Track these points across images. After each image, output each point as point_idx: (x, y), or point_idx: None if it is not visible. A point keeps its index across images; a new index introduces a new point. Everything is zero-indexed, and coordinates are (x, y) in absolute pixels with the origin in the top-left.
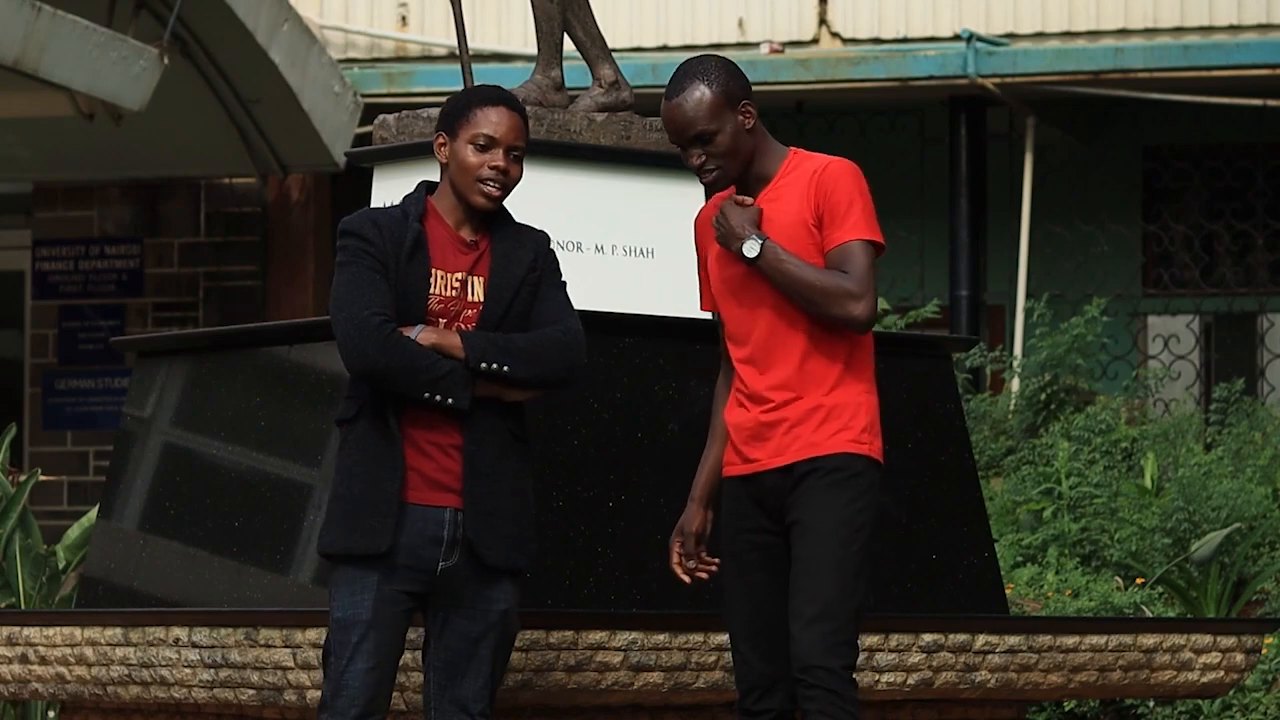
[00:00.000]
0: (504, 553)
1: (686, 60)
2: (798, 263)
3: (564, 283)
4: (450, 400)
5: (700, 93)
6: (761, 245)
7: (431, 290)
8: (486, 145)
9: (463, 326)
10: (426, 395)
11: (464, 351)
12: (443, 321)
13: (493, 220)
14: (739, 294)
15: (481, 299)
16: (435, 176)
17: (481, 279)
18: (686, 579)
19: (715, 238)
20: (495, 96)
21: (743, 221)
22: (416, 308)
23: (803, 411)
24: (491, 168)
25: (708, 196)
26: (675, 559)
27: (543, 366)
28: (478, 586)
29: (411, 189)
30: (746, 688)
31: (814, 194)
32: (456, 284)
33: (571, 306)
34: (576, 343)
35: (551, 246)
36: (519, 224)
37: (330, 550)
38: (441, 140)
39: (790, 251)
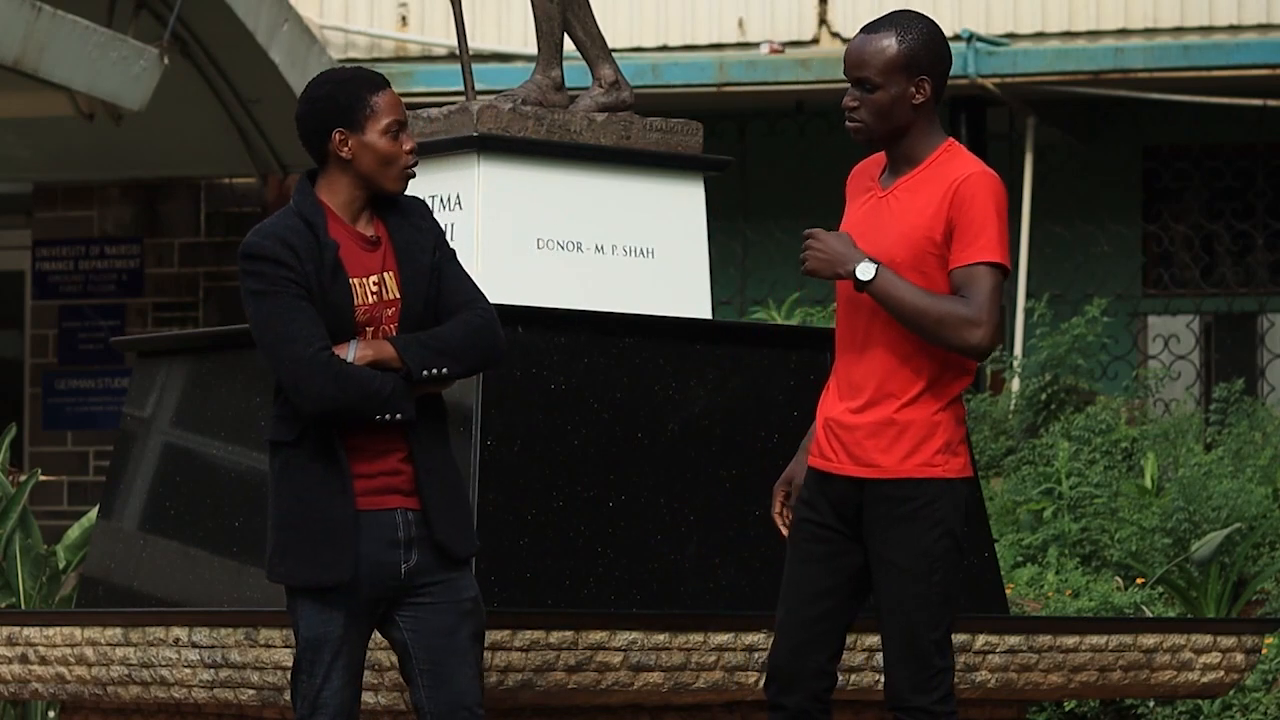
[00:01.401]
0: (467, 543)
1: (904, 10)
2: (911, 290)
3: (454, 252)
4: (399, 415)
5: (887, 42)
6: (876, 270)
7: (356, 303)
8: (399, 130)
9: (387, 328)
10: (378, 417)
11: (401, 363)
12: (369, 330)
13: (378, 204)
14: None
15: (395, 295)
16: (432, 174)
17: (391, 274)
18: (785, 530)
19: (804, 267)
20: (378, 80)
21: (843, 248)
22: (346, 324)
23: (877, 423)
24: (408, 151)
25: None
26: (777, 508)
27: (475, 357)
28: (443, 580)
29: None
30: (771, 675)
31: (948, 209)
32: (374, 286)
33: (472, 280)
34: (496, 323)
35: (433, 214)
36: (399, 199)
37: (290, 583)
38: (341, 136)
39: (904, 257)
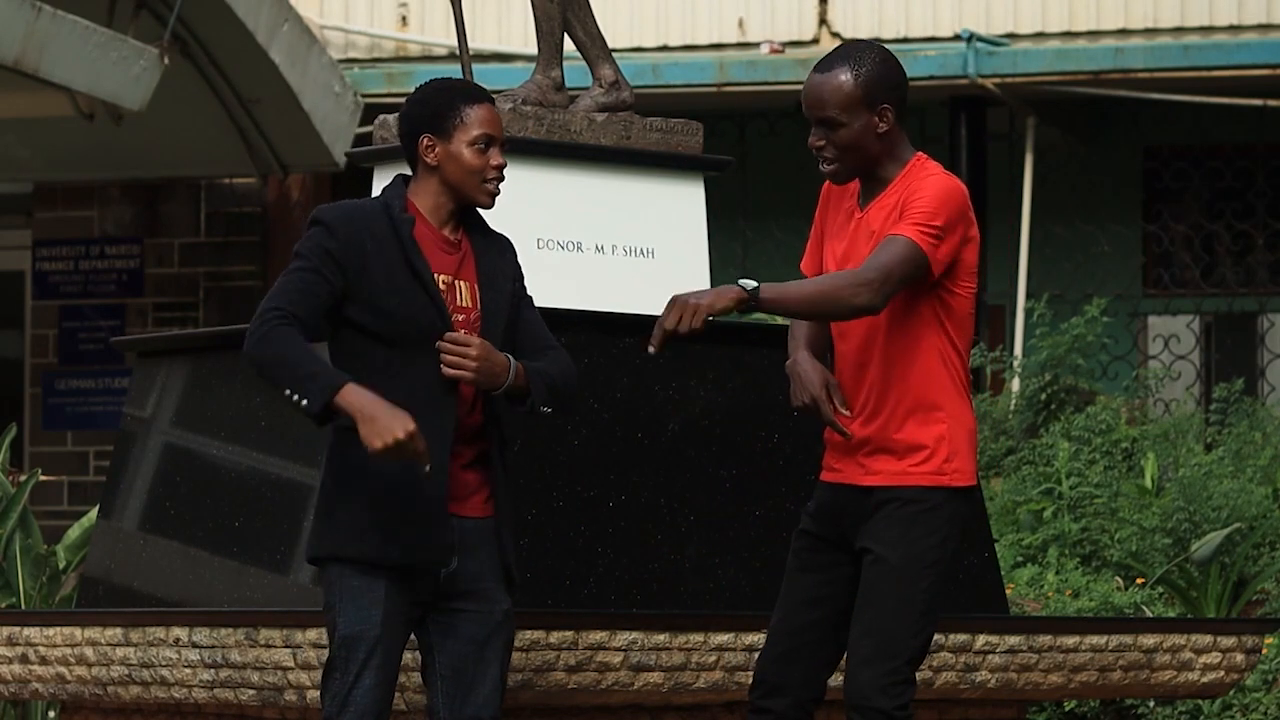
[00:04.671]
0: (516, 560)
1: (851, 42)
2: (796, 282)
3: (533, 303)
4: (304, 401)
5: (844, 78)
6: (757, 286)
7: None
8: (487, 145)
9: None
10: (287, 391)
11: (528, 390)
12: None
13: (467, 222)
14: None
15: (468, 304)
16: None
17: (467, 284)
18: (850, 430)
19: (666, 318)
20: (477, 93)
21: (698, 296)
22: (426, 288)
23: (887, 432)
24: (494, 166)
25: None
26: (832, 412)
27: (567, 401)
28: (479, 589)
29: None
30: (757, 679)
31: (900, 199)
32: (443, 286)
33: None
34: (574, 368)
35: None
36: (487, 226)
37: (374, 559)
38: (429, 142)
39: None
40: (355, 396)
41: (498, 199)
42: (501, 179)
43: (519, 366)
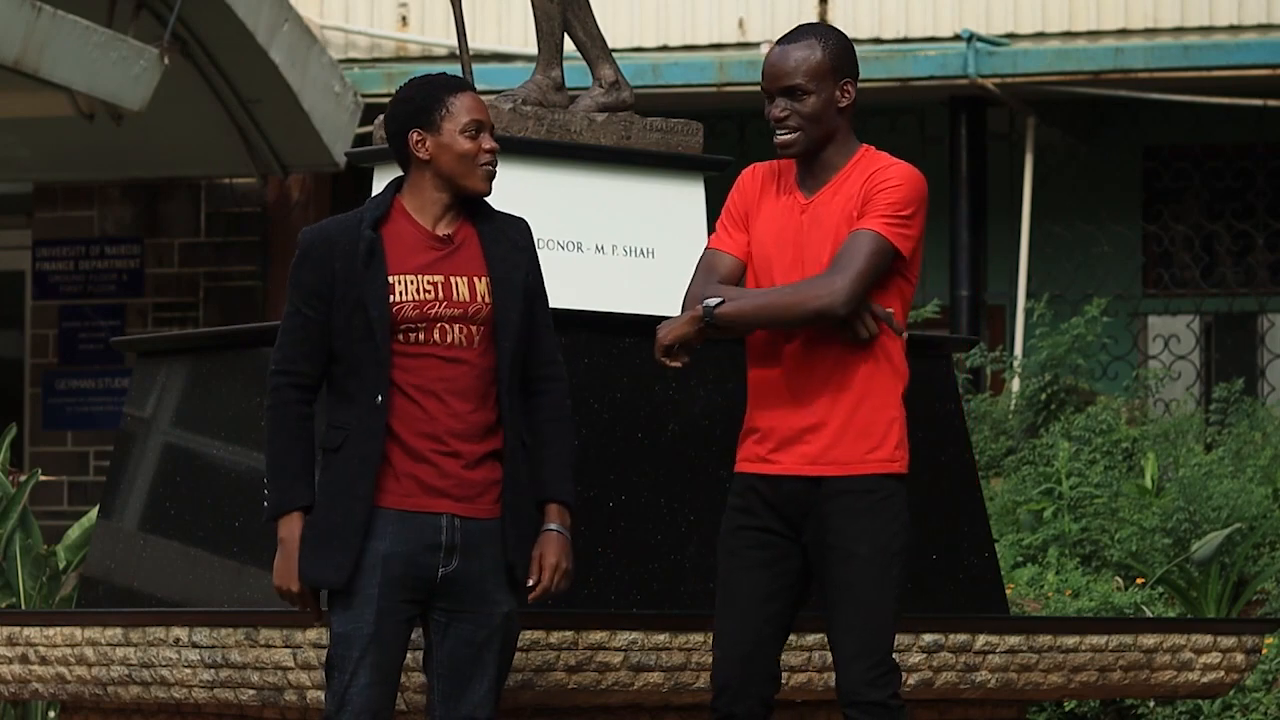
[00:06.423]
0: (527, 566)
1: (809, 23)
2: (755, 291)
3: (547, 297)
4: (265, 503)
5: (812, 49)
6: (718, 303)
7: (398, 298)
8: (477, 130)
9: (451, 328)
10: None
11: (570, 514)
12: (422, 327)
13: (472, 211)
14: (768, 272)
15: (466, 298)
16: None
17: (465, 278)
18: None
19: (662, 337)
20: (458, 83)
21: (675, 320)
22: (380, 315)
23: (836, 423)
24: (487, 150)
25: (779, 156)
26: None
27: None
28: (479, 591)
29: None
30: (720, 686)
31: (861, 191)
32: (429, 285)
33: (554, 334)
34: (568, 394)
35: (533, 239)
36: (499, 214)
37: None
38: (419, 137)
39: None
40: (284, 529)
41: (495, 185)
42: (495, 163)
43: (564, 519)
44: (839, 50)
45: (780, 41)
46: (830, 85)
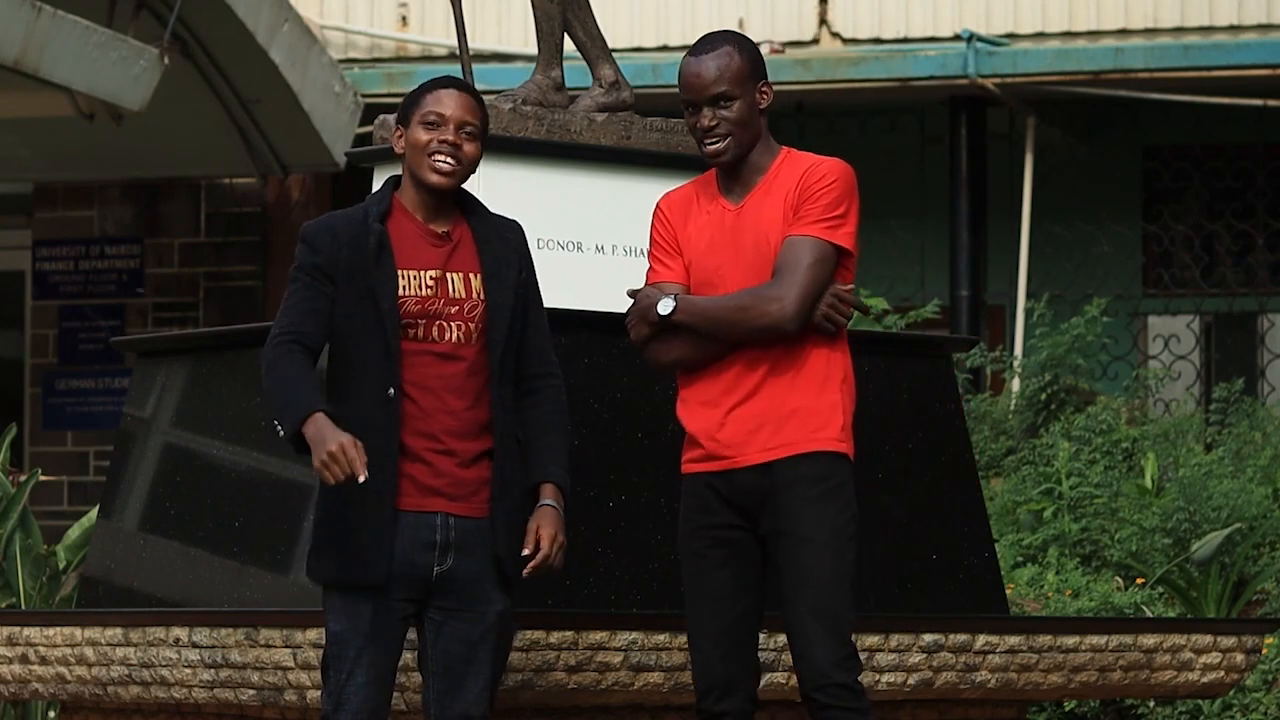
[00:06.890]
0: (519, 563)
1: (712, 31)
2: (708, 299)
3: (541, 299)
4: (278, 428)
5: (730, 55)
6: (675, 299)
7: (401, 293)
8: (436, 122)
9: (450, 325)
10: (273, 421)
11: (564, 497)
12: (424, 323)
13: (466, 210)
14: (715, 285)
15: (461, 295)
16: None
17: (461, 275)
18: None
19: (629, 324)
20: (444, 81)
21: (644, 303)
22: (388, 310)
23: (781, 411)
24: (441, 141)
25: (707, 168)
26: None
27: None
28: (474, 590)
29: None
30: (706, 687)
31: (794, 191)
32: (430, 281)
33: (549, 337)
34: (565, 402)
35: (527, 242)
36: (492, 215)
37: (323, 580)
38: (399, 133)
39: (767, 265)
40: (312, 426)
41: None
42: (449, 155)
43: (559, 497)
44: (753, 53)
45: (693, 52)
46: (751, 88)
